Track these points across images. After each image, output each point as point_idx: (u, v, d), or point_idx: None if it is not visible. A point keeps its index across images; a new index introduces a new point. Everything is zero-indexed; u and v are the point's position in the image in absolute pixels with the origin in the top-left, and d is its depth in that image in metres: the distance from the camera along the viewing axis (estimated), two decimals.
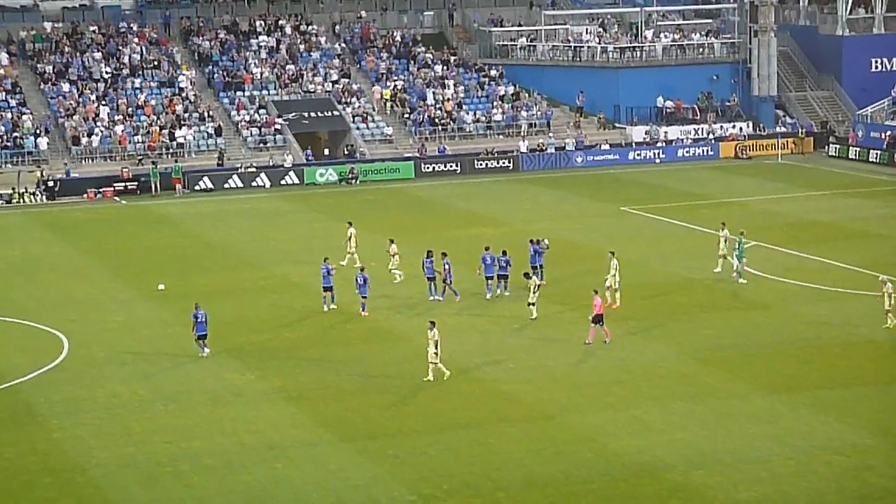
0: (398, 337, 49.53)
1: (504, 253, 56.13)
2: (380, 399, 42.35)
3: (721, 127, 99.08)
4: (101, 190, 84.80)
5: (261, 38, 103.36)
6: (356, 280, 53.07)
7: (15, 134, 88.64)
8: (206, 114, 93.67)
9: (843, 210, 74.22)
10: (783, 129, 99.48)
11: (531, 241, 57.89)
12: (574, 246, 63.45)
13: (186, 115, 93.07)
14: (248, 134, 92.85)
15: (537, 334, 49.53)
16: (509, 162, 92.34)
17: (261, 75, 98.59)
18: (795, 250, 62.66)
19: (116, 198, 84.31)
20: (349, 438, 38.77)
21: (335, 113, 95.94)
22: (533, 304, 51.18)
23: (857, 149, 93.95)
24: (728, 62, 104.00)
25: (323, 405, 41.85)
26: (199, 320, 47.05)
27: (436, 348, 43.54)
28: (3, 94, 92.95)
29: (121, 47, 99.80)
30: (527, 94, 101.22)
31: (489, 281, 55.14)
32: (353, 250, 60.85)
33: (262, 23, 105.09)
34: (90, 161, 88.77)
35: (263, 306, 54.83)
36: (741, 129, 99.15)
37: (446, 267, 54.17)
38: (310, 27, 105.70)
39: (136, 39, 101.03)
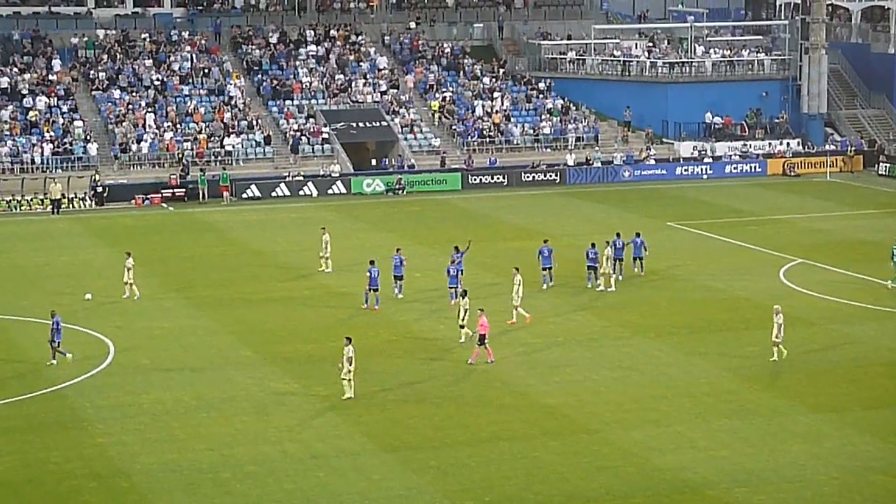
0: (440, 349, 49.56)
1: (592, 245, 59.21)
2: (422, 410, 42.41)
3: (769, 144, 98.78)
4: (148, 196, 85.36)
5: (310, 47, 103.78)
6: (447, 272, 55.69)
7: (66, 140, 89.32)
8: (254, 122, 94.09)
9: (891, 230, 73.64)
10: (832, 147, 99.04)
11: (637, 235, 61.47)
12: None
13: (235, 123, 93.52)
14: (294, 138, 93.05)
15: (581, 348, 49.50)
16: (556, 175, 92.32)
17: (310, 85, 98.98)
18: (842, 269, 62.32)
19: (164, 204, 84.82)
20: (392, 449, 38.84)
21: (383, 123, 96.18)
22: (464, 327, 49.95)
23: None
24: (778, 79, 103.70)
25: (367, 415, 41.94)
26: (56, 328, 47.56)
27: (350, 364, 43.24)
28: (56, 99, 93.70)
29: (171, 55, 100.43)
30: (575, 108, 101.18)
31: (545, 272, 58.64)
32: (327, 254, 62.72)
33: (312, 32, 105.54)
34: (139, 168, 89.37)
35: (308, 315, 55.00)
36: (789, 145, 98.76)
37: (370, 274, 55.32)
38: (359, 37, 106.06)
39: (186, 47, 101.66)
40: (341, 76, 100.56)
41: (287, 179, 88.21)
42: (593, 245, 59.55)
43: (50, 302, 57.51)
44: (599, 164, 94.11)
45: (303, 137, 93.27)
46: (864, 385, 44.88)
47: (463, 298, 50.04)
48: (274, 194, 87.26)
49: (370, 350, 49.31)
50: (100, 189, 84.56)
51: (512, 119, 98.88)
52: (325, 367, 46.94)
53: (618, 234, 61.26)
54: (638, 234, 62.10)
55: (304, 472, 36.98)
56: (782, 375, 45.86)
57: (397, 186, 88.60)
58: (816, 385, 44.82)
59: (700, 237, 72.14)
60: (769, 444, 38.90)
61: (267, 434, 40.22)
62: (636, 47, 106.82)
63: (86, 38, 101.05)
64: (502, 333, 51.34)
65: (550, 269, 58.83)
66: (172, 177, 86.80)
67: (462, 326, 49.84)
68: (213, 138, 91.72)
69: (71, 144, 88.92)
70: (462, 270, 56.43)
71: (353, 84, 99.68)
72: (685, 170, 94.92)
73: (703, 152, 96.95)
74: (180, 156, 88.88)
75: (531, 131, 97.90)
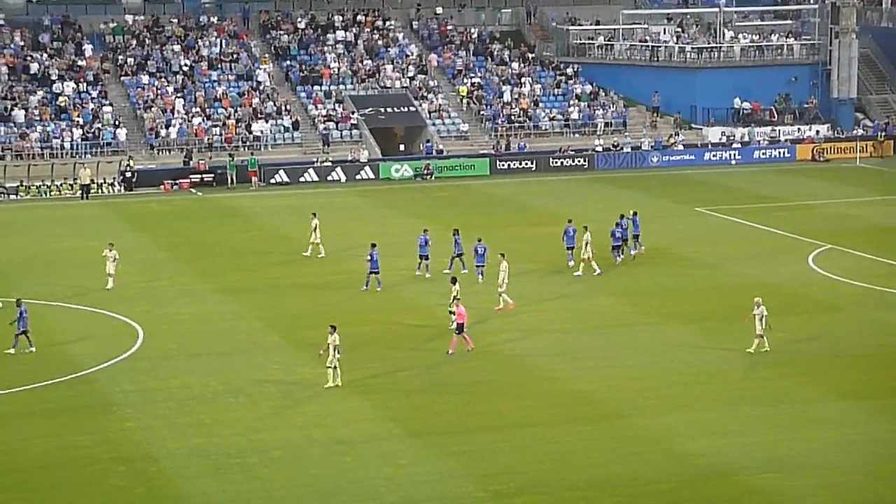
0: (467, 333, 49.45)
1: (617, 225, 60.59)
2: (448, 396, 42.34)
3: (798, 129, 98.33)
4: (177, 181, 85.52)
5: (338, 32, 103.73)
6: (475, 250, 56.93)
7: (95, 125, 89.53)
8: (283, 107, 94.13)
9: None
10: (862, 133, 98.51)
11: (634, 213, 62.61)
12: (648, 247, 63.09)
13: (263, 108, 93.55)
14: (324, 128, 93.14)
15: (610, 334, 49.36)
16: (584, 160, 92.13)
17: (338, 70, 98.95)
18: (871, 254, 62.01)
19: (192, 189, 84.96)
20: (418, 434, 38.79)
21: (411, 108, 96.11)
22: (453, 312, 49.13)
23: None
24: (807, 64, 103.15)
25: (393, 401, 41.89)
26: (22, 316, 47.23)
27: (336, 353, 43.05)
28: (85, 85, 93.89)
29: (199, 40, 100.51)
30: (603, 93, 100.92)
31: (570, 251, 59.44)
32: (318, 240, 63.08)
33: (341, 17, 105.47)
34: (167, 153, 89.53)
35: (336, 300, 54.97)
36: (818, 131, 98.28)
37: (371, 257, 56.03)
38: (387, 23, 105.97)
39: (214, 32, 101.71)
40: (369, 61, 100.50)
41: (315, 165, 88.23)
42: (618, 224, 59.87)
43: (78, 286, 57.72)
44: (628, 150, 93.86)
45: (331, 124, 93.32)
46: (894, 372, 44.58)
47: (454, 285, 49.89)
48: (302, 180, 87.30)
49: (394, 335, 49.32)
50: (129, 174, 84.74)
51: (540, 104, 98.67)
52: (352, 353, 46.80)
53: (622, 216, 61.59)
54: (635, 213, 62.61)
55: (331, 457, 36.95)
56: (813, 362, 45.61)
57: (425, 172, 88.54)
58: (847, 372, 44.57)
59: (728, 223, 71.87)
60: (798, 431, 38.70)
61: (294, 419, 40.21)
62: (664, 32, 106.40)
63: (114, 24, 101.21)
64: (531, 318, 51.28)
65: (573, 248, 59.28)
66: (201, 161, 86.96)
67: (452, 312, 49.30)
68: (241, 124, 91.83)
69: (100, 130, 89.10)
70: (464, 253, 57.09)
71: (382, 69, 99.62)
72: (713, 155, 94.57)
73: (733, 137, 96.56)
74: (209, 143, 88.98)
75: (559, 117, 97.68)
